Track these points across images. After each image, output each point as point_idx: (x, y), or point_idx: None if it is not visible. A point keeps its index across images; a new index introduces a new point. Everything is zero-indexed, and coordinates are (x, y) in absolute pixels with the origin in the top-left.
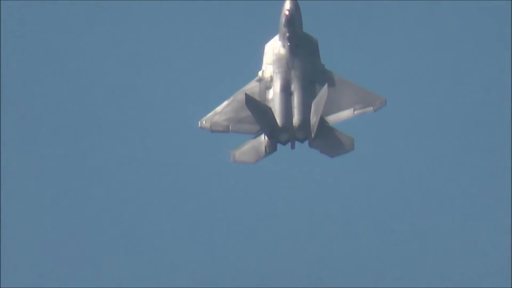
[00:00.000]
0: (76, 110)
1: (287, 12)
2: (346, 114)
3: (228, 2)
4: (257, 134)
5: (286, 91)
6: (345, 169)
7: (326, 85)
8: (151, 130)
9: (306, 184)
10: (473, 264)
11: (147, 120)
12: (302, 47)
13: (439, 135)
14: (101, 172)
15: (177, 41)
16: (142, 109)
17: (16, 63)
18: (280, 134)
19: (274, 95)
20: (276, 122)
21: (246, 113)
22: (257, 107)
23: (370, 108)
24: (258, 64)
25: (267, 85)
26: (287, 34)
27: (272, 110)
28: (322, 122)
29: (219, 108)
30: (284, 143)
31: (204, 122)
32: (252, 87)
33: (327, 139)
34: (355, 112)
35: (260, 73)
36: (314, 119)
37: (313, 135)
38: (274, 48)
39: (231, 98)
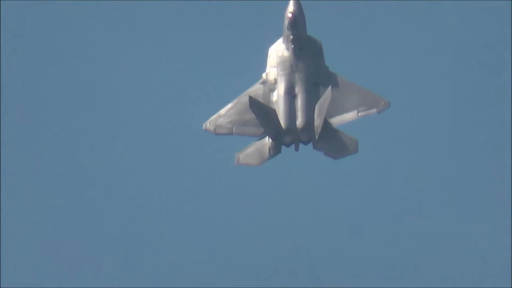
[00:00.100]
0: (77, 110)
1: (290, 15)
2: (350, 116)
3: (232, 4)
4: (261, 137)
5: (290, 94)
6: (349, 171)
7: (329, 87)
8: (155, 133)
9: (310, 186)
10: (473, 264)
11: (150, 123)
12: (306, 50)
13: (442, 137)
14: (103, 174)
15: (181, 43)
16: (146, 112)
17: (16, 63)
18: (284, 137)
19: (278, 97)
20: (280, 124)
21: (250, 115)
22: (261, 110)
23: (374, 110)
24: (262, 67)
25: (271, 88)
26: (291, 37)
27: (276, 112)
28: (326, 124)
29: (223, 111)
30: (288, 145)
31: (208, 125)
32: (256, 89)
33: (331, 141)
34: (359, 114)
35: (264, 76)
36: (318, 121)
37: (317, 137)
38: (278, 50)
39: (235, 101)
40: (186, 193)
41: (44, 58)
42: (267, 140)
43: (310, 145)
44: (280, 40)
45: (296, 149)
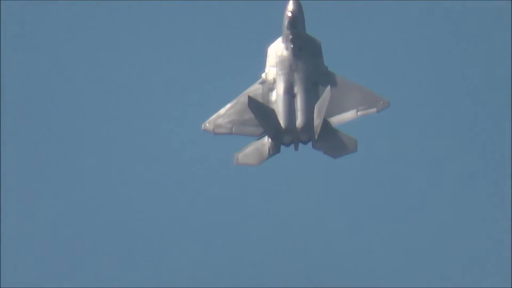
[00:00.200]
0: (77, 111)
1: (290, 14)
2: (349, 115)
3: (231, 4)
4: (260, 136)
5: (289, 93)
6: (348, 170)
7: (329, 87)
8: (154, 133)
9: (309, 186)
10: (473, 264)
11: (149, 123)
12: (305, 49)
13: (442, 136)
14: (103, 174)
15: (180, 43)
16: (144, 112)
17: (16, 63)
18: (283, 136)
19: (277, 97)
20: (279, 124)
21: (249, 115)
22: (260, 109)
23: (373, 110)
24: (261, 67)
25: (270, 87)
26: (290, 36)
27: (275, 112)
28: (325, 123)
29: (222, 111)
30: (287, 145)
31: (207, 125)
32: (255, 89)
33: (330, 141)
34: (358, 113)
35: (263, 75)
36: (317, 121)
37: (316, 137)
38: (277, 50)
39: (235, 101)
40: (185, 193)
41: (44, 57)
42: (267, 140)
43: (310, 144)
44: (280, 40)
45: (296, 148)
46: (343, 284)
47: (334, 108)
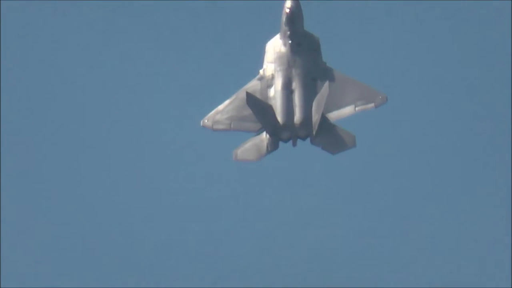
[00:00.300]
0: (77, 107)
1: (288, 10)
2: (347, 111)
3: (229, 1)
4: (258, 132)
5: (287, 89)
6: (347, 166)
7: (327, 83)
8: (153, 130)
9: (307, 181)
10: (473, 264)
11: (148, 120)
12: (303, 45)
13: (440, 131)
14: (101, 171)
15: (178, 39)
16: (143, 109)
17: (16, 63)
18: (281, 132)
19: (275, 93)
20: (277, 120)
21: (248, 111)
22: (258, 106)
23: (372, 105)
24: (260, 63)
25: (269, 83)
26: (288, 33)
27: (273, 108)
28: (324, 119)
29: (221, 107)
30: (285, 141)
31: (206, 121)
32: (253, 85)
33: (329, 136)
34: (356, 109)
35: (261, 72)
36: (315, 117)
37: (314, 133)
38: (275, 46)
39: (233, 97)
40: (184, 189)
41: (44, 57)
42: (265, 136)
43: (308, 140)
44: (278, 36)
45: (294, 144)
46: (343, 281)
47: (333, 103)
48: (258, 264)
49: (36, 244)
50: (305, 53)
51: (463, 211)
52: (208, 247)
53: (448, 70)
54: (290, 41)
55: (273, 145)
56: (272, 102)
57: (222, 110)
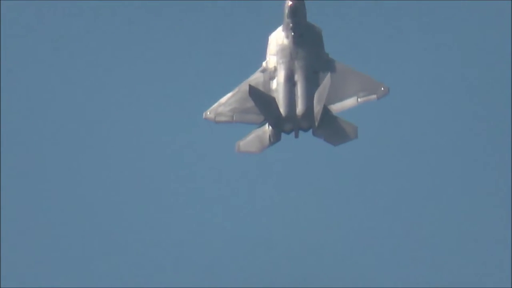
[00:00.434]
0: (76, 96)
1: (290, 3)
2: (349, 102)
3: None
4: (261, 124)
5: (289, 81)
6: (349, 157)
7: (329, 74)
8: (156, 122)
9: (310, 172)
10: (473, 264)
11: (151, 112)
12: (305, 37)
13: (442, 122)
14: (103, 165)
15: (181, 32)
16: (146, 101)
17: (16, 63)
18: (284, 124)
19: (278, 85)
20: (280, 112)
21: (251, 103)
22: (260, 98)
23: (374, 96)
24: (263, 55)
25: (271, 76)
26: (291, 25)
27: (276, 100)
28: (326, 111)
29: (223, 99)
30: (288, 133)
31: (208, 113)
32: (256, 77)
33: (331, 128)
34: (358, 100)
35: (264, 64)
36: (317, 108)
37: (316, 124)
38: (278, 38)
39: (236, 89)
40: (187, 181)
41: (44, 57)
42: (267, 128)
43: (310, 132)
44: (280, 28)
45: (296, 136)
46: (343, 279)
47: (335, 95)
48: (259, 252)
49: (36, 244)
50: (308, 45)
51: (463, 211)
52: (210, 241)
53: (450, 74)
54: (292, 33)
55: (275, 137)
56: (274, 94)
57: (225, 103)
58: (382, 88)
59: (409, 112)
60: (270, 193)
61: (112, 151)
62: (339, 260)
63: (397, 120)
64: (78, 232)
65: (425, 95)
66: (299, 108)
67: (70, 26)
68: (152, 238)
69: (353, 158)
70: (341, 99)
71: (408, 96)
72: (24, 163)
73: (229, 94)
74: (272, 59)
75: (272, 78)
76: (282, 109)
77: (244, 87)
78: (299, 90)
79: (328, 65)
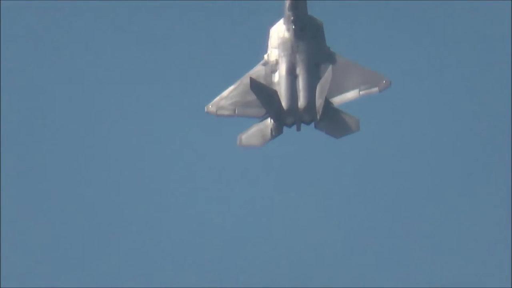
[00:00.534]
0: (77, 92)
1: None
2: (351, 95)
3: None
4: (263, 118)
5: (291, 74)
6: (351, 150)
7: (330, 67)
8: (157, 116)
9: (311, 165)
10: (473, 264)
11: (152, 106)
12: (306, 30)
13: (444, 115)
14: (104, 161)
15: (182, 25)
16: (147, 95)
17: (16, 63)
18: (285, 117)
19: (279, 78)
20: (282, 105)
21: (252, 97)
22: (262, 91)
23: (375, 89)
24: (264, 48)
25: (273, 69)
26: (292, 18)
27: (278, 93)
28: (327, 103)
29: (225, 93)
30: (290, 126)
31: (210, 107)
32: (257, 70)
33: (333, 121)
34: (360, 93)
35: (265, 57)
36: (319, 101)
37: (318, 117)
38: (279, 31)
39: (238, 83)
40: (188, 175)
41: (44, 57)
42: (269, 121)
43: (312, 125)
44: (281, 21)
45: (298, 129)
46: (344, 276)
47: (336, 88)
48: (261, 249)
49: (36, 244)
50: (309, 38)
51: (463, 211)
52: (210, 236)
53: (449, 74)
54: (293, 26)
55: (277, 130)
56: (276, 88)
57: (227, 96)
58: (384, 81)
59: (411, 105)
60: (272, 187)
61: (113, 145)
62: (340, 258)
63: (398, 113)
64: (78, 232)
65: (427, 88)
66: (301, 101)
67: (70, 26)
68: (152, 236)
69: (355, 151)
70: (342, 92)
71: (409, 89)
72: (24, 163)
73: (231, 88)
74: (273, 52)
75: (273, 71)
76: (284, 102)
77: (245, 80)
78: (301, 83)
79: (330, 58)
